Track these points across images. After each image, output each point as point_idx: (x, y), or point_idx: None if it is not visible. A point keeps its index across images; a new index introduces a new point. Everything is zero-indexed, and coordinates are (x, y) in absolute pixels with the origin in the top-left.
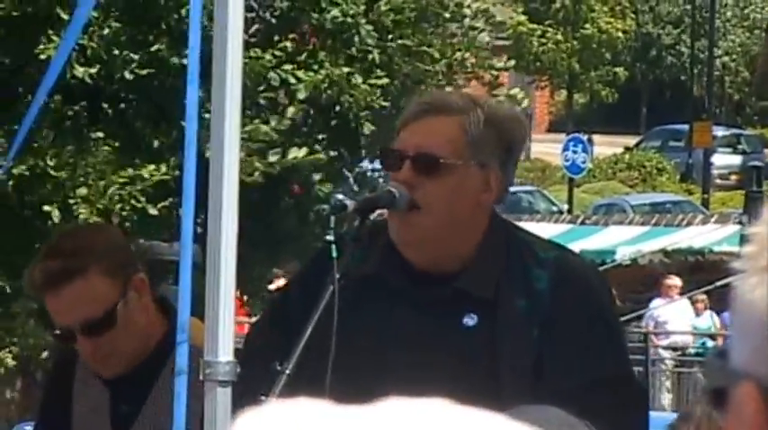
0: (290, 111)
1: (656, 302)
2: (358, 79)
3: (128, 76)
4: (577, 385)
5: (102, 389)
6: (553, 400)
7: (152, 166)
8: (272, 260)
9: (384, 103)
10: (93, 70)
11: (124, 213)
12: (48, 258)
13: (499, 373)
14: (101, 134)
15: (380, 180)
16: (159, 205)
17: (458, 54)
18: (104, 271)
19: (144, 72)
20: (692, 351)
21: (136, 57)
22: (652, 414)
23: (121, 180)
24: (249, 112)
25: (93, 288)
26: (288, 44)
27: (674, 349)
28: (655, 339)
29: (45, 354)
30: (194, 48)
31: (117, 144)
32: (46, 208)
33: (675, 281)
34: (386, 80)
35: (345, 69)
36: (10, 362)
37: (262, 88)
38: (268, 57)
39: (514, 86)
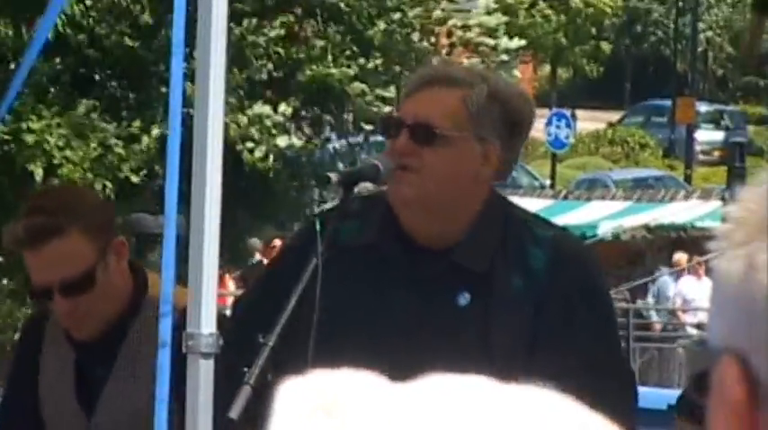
0: (294, 97)
1: (684, 280)
2: (350, 70)
3: (115, 45)
4: (569, 367)
5: (68, 354)
6: (543, 381)
7: (138, 122)
8: (262, 227)
9: (367, 87)
10: (81, 36)
11: (106, 181)
12: (29, 215)
13: (491, 353)
14: (86, 100)
15: (362, 154)
16: (141, 173)
17: (459, 32)
18: (85, 231)
19: (132, 44)
20: None
21: (124, 28)
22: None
23: (102, 139)
24: (251, 92)
25: (73, 247)
26: (282, 25)
27: (700, 327)
28: (682, 316)
29: (17, 336)
30: (180, 15)
31: (100, 108)
32: (29, 167)
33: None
34: (380, 61)
35: (346, 67)
36: None
37: (263, 63)
38: (272, 34)
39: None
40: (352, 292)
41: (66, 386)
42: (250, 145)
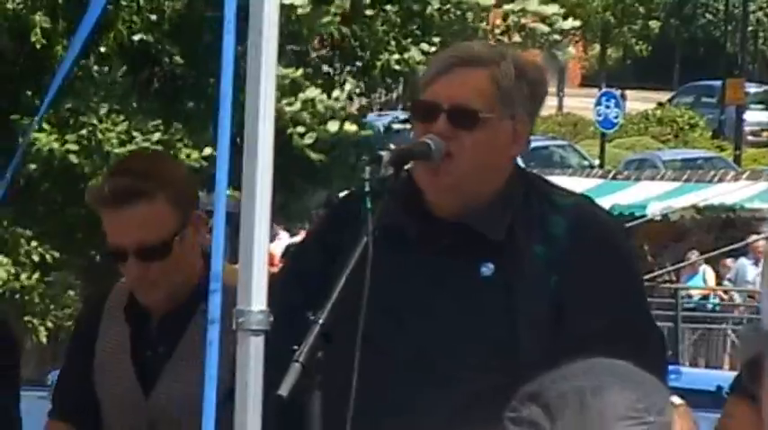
0: (349, 83)
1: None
2: (415, 54)
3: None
4: (597, 329)
5: (125, 331)
6: (573, 345)
7: (196, 152)
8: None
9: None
10: (137, 37)
11: None
12: (116, 175)
13: (516, 322)
14: (149, 106)
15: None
16: (201, 155)
17: (514, 17)
18: (170, 199)
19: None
20: None
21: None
22: (695, 371)
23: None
24: (306, 73)
25: (156, 213)
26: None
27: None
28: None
29: None
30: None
31: (161, 119)
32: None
33: None
34: (437, 39)
35: (408, 42)
36: (42, 333)
37: (318, 46)
38: (327, 16)
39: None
40: (376, 271)
41: (122, 362)
42: (300, 130)
